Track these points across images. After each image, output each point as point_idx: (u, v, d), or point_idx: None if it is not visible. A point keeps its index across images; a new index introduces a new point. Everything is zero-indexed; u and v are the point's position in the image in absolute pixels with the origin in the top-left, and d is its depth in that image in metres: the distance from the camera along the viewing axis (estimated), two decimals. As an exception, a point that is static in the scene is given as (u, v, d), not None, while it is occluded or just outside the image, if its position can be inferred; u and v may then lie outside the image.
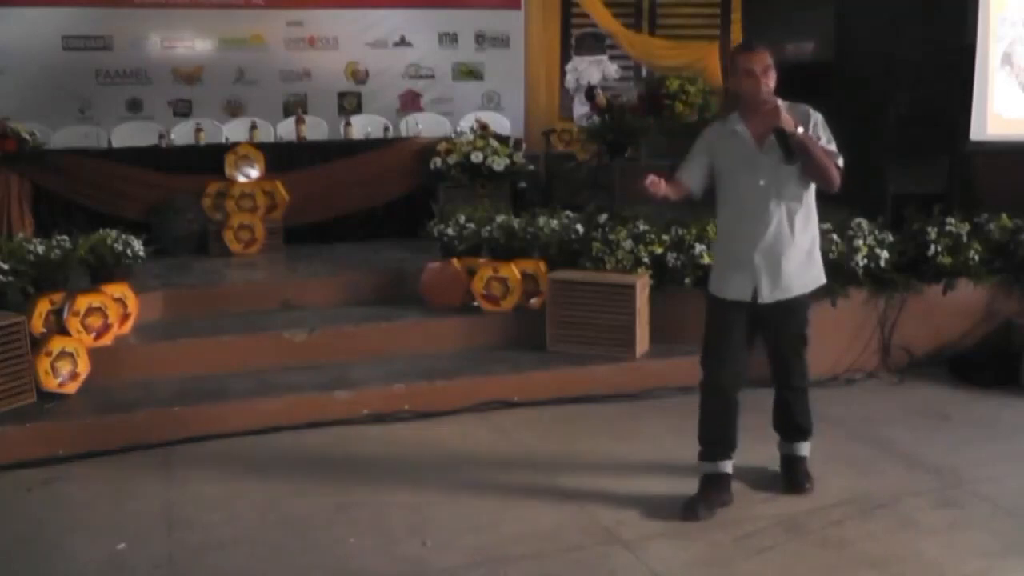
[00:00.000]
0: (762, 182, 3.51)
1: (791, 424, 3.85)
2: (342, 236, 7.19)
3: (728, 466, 3.72)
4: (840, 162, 3.58)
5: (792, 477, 3.83)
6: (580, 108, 8.47)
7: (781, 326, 3.67)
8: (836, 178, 3.55)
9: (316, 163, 7.36)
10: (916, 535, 3.46)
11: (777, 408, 3.87)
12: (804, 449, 3.86)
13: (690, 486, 3.65)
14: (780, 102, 3.41)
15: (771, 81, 3.47)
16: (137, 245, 5.51)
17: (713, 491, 3.65)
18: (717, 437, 3.71)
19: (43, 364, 4.55)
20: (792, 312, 3.65)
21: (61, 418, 4.42)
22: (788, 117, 3.37)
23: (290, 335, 5.17)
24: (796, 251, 3.57)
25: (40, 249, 5.01)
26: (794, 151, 3.41)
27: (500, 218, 5.74)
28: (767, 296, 3.56)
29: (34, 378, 4.54)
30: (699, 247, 5.18)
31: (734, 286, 3.60)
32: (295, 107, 8.84)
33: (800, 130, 3.41)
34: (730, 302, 3.60)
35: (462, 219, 5.82)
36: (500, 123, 8.42)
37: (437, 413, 4.72)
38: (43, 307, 4.74)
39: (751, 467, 4.01)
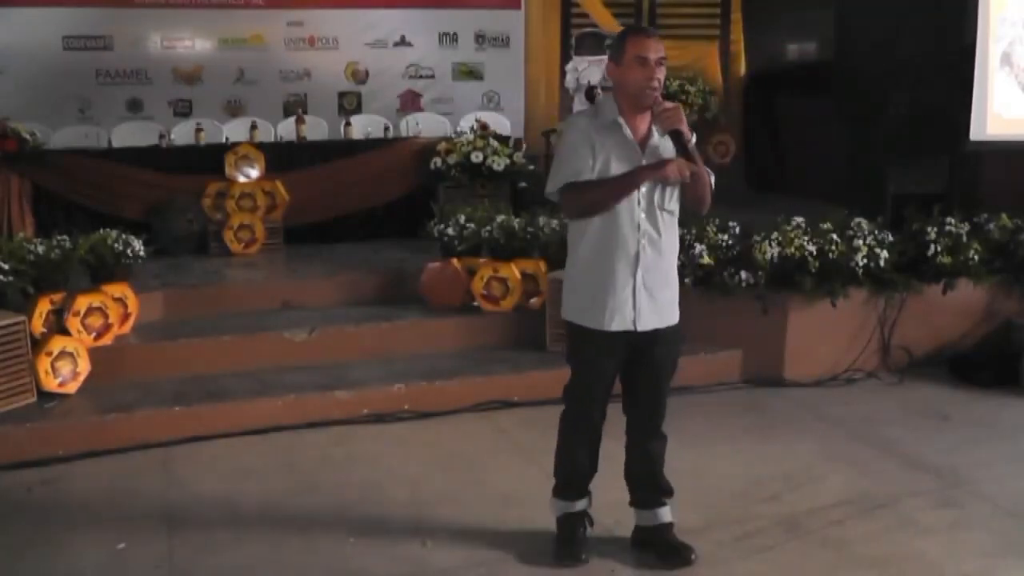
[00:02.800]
0: (644, 188, 3.06)
1: (656, 484, 3.34)
2: (342, 236, 7.18)
3: (586, 503, 3.41)
4: (712, 179, 3.16)
5: (669, 549, 3.28)
6: (580, 108, 8.46)
7: (653, 359, 3.19)
8: (710, 196, 3.15)
9: (316, 163, 7.35)
10: (916, 535, 3.46)
11: (637, 466, 3.35)
12: (671, 513, 3.35)
13: (689, 486, 3.63)
14: (677, 105, 3.02)
15: (662, 75, 3.00)
16: (137, 245, 5.51)
17: (577, 529, 3.36)
18: (583, 476, 3.36)
19: (43, 364, 4.55)
20: (668, 342, 3.21)
21: (61, 418, 4.42)
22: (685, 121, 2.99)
23: (290, 335, 5.17)
24: (672, 271, 3.19)
25: (40, 249, 5.00)
26: (692, 159, 3.00)
27: (500, 218, 5.74)
28: (647, 323, 3.12)
29: (34, 378, 4.54)
30: (699, 247, 5.18)
31: (614, 314, 3.11)
32: (295, 107, 8.83)
33: (694, 138, 3.03)
34: (608, 334, 3.12)
35: (462, 219, 5.82)
36: (500, 123, 8.41)
37: (437, 413, 4.73)
38: (43, 307, 4.74)
39: (752, 467, 4.01)
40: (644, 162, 3.07)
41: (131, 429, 4.40)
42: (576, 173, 3.06)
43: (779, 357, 5.20)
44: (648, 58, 2.97)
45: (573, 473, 3.37)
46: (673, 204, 3.13)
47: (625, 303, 3.10)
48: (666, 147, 3.08)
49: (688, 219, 3.20)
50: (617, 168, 3.06)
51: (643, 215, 3.08)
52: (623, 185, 3.04)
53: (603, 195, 3.05)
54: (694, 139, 3.07)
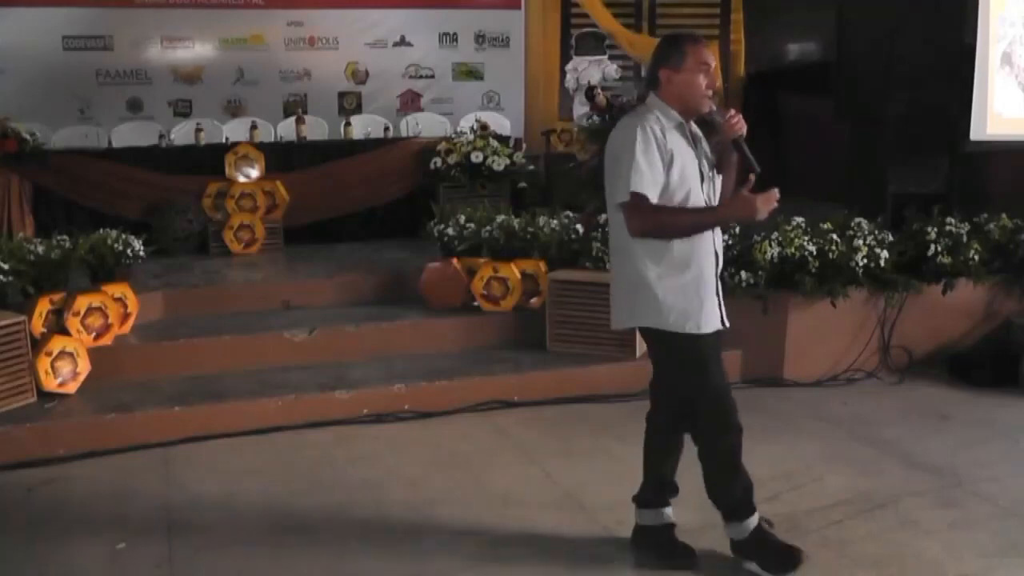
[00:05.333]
0: (707, 189, 3.07)
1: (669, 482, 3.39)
2: (342, 236, 7.20)
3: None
4: None
5: (670, 549, 3.29)
6: (580, 108, 8.47)
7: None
8: None
9: (316, 163, 7.36)
10: (916, 535, 3.46)
11: (670, 458, 3.36)
12: (672, 513, 3.36)
13: (689, 486, 3.62)
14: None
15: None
16: (137, 245, 5.52)
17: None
18: (749, 488, 3.22)
19: (43, 364, 4.55)
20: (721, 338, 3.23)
21: (61, 418, 4.42)
22: None
23: (290, 335, 5.17)
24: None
25: (40, 249, 5.01)
26: (753, 162, 3.03)
27: (500, 218, 5.75)
28: (727, 319, 3.15)
29: (34, 378, 4.54)
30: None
31: (711, 316, 3.08)
32: (295, 107, 8.84)
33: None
34: (709, 335, 3.08)
35: (462, 219, 5.82)
36: (500, 123, 8.42)
37: (437, 413, 4.73)
38: (43, 307, 4.74)
39: (752, 467, 4.00)
40: (703, 163, 3.06)
41: (131, 429, 4.40)
42: (651, 185, 2.93)
43: (779, 357, 5.21)
44: (710, 65, 2.99)
45: (745, 488, 3.21)
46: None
47: (715, 302, 3.10)
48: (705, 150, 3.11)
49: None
50: (690, 169, 3.00)
51: None
52: (705, 223, 3.01)
53: (684, 229, 2.98)
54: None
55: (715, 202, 3.11)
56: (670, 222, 2.97)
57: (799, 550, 3.20)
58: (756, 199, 2.93)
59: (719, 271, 3.14)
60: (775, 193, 2.96)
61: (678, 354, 3.10)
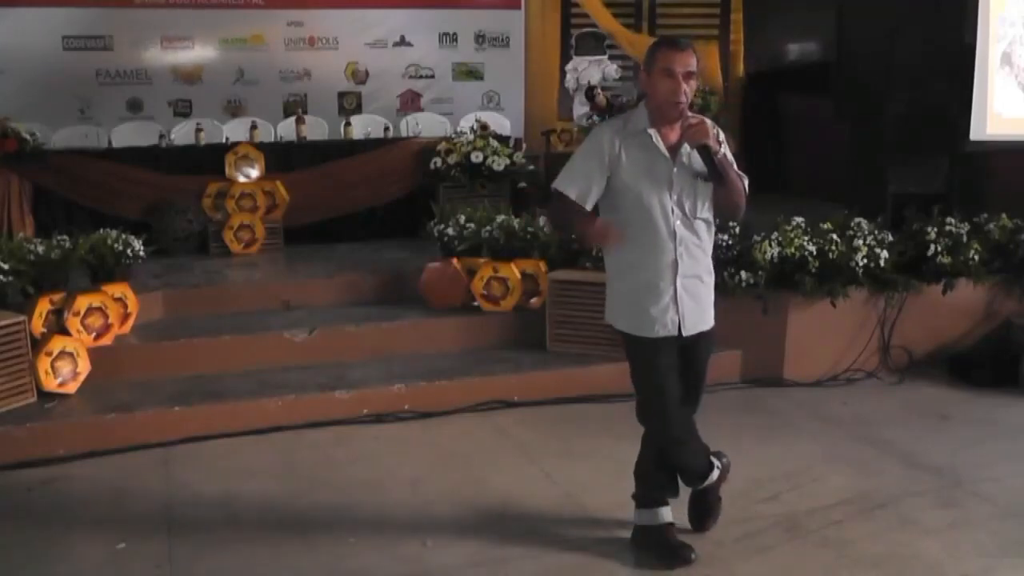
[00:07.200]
0: (675, 197, 3.09)
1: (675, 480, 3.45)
2: (342, 236, 7.19)
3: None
4: (746, 184, 3.18)
5: (669, 549, 3.29)
6: (580, 108, 8.47)
7: (697, 360, 3.28)
8: (744, 202, 3.19)
9: (316, 163, 7.35)
10: (916, 535, 3.46)
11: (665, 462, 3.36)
12: (671, 513, 3.37)
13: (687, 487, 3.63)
14: (703, 119, 3.02)
15: (691, 89, 3.01)
16: (137, 245, 5.51)
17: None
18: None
19: (43, 364, 4.55)
20: (708, 343, 3.28)
21: (61, 418, 4.42)
22: (714, 135, 3.02)
23: (290, 335, 5.17)
24: (710, 275, 3.24)
25: (40, 249, 5.00)
26: (720, 172, 3.03)
27: (500, 218, 5.74)
28: (691, 328, 3.15)
29: (34, 378, 4.54)
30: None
31: (660, 321, 3.13)
32: (295, 107, 8.83)
33: (723, 150, 3.07)
34: (660, 340, 3.14)
35: (462, 219, 5.82)
36: (500, 123, 8.41)
37: (437, 413, 4.73)
38: (43, 307, 4.74)
39: (752, 467, 4.01)
40: (675, 170, 3.07)
41: (131, 429, 4.40)
42: (569, 185, 3.12)
43: (779, 357, 5.20)
44: (675, 71, 2.97)
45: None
46: (706, 213, 3.16)
47: (666, 311, 3.13)
48: (697, 157, 3.07)
49: (725, 224, 3.22)
50: (646, 178, 3.07)
51: (679, 222, 3.10)
52: (578, 235, 3.16)
53: (567, 230, 3.22)
54: (724, 149, 3.09)
55: (697, 210, 3.12)
56: (554, 219, 3.42)
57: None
58: (595, 233, 3.11)
59: (678, 280, 3.11)
60: (613, 231, 3.06)
61: (628, 351, 3.27)
